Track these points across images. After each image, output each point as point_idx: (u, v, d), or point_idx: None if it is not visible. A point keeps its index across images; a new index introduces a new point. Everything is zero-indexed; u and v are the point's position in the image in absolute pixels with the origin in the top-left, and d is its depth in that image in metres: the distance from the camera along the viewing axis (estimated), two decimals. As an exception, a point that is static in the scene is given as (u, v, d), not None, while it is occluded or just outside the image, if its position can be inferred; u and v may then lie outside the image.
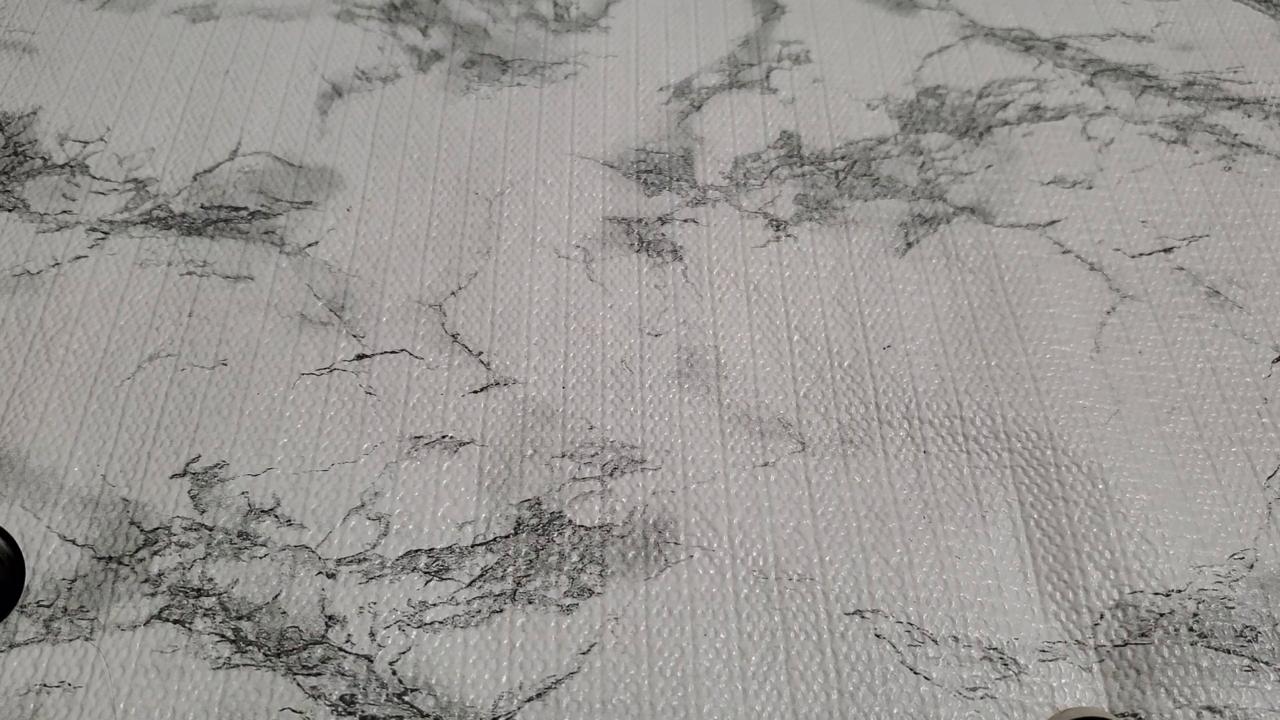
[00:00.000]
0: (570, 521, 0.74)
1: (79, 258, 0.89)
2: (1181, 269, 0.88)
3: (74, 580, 0.70)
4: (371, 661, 0.67)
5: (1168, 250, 0.90)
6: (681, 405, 0.80)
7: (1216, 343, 0.83)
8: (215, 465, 0.76)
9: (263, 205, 0.93)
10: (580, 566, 0.72)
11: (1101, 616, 0.69)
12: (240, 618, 0.69)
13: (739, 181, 0.95)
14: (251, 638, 0.68)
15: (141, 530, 0.73)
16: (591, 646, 0.68)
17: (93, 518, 0.73)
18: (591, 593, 0.70)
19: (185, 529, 0.73)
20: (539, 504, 0.75)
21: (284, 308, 0.86)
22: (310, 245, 0.90)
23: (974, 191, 0.94)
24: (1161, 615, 0.69)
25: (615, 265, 0.89)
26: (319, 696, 0.66)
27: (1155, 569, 0.71)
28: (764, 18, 1.12)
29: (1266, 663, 0.67)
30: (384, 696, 0.66)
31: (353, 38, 1.09)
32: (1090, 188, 0.94)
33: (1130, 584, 0.70)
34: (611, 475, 0.76)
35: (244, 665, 0.67)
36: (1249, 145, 0.97)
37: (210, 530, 0.73)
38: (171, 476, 0.76)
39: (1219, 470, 0.76)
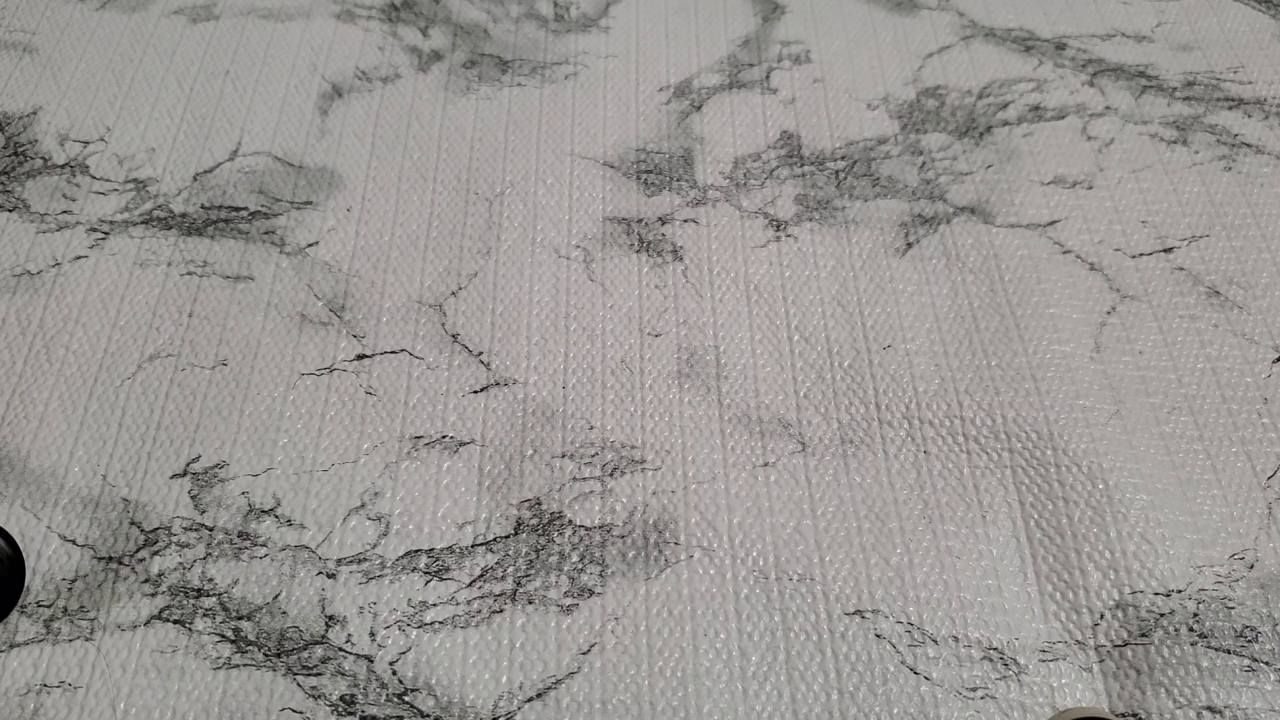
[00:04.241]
0: (570, 521, 0.74)
1: (79, 258, 0.89)
2: (1181, 269, 0.88)
3: (74, 580, 0.70)
4: (371, 661, 0.67)
5: (1168, 250, 0.90)
6: (681, 405, 0.80)
7: (1216, 343, 0.83)
8: (215, 465, 0.76)
9: (263, 205, 0.93)
10: (580, 566, 0.72)
11: (1101, 616, 0.69)
12: (240, 618, 0.69)
13: (739, 181, 0.95)
14: (252, 638, 0.68)
15: (142, 530, 0.73)
16: (591, 646, 0.68)
17: (93, 518, 0.73)
18: (591, 593, 0.70)
19: (185, 529, 0.73)
20: (539, 504, 0.75)
21: (284, 308, 0.86)
22: (310, 245, 0.90)
23: (974, 191, 0.94)
24: (1161, 615, 0.69)
25: (615, 265, 0.89)
26: (319, 696, 0.66)
27: (1155, 569, 0.71)
28: (764, 18, 1.12)
29: (1266, 663, 0.67)
30: (384, 696, 0.66)
31: (353, 38, 1.09)
32: (1090, 188, 0.94)
33: (1130, 584, 0.70)
34: (611, 475, 0.76)
35: (244, 665, 0.67)
36: (1249, 145, 0.97)
37: (210, 530, 0.73)
38: (172, 476, 0.76)
39: (1219, 470, 0.76)
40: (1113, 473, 0.75)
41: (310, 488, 0.75)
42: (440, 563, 0.72)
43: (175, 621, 0.69)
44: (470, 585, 0.71)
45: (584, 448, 0.78)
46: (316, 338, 0.84)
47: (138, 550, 0.72)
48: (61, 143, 0.98)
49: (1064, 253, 0.89)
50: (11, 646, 0.68)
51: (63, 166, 0.96)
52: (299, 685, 0.66)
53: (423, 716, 0.65)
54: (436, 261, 0.89)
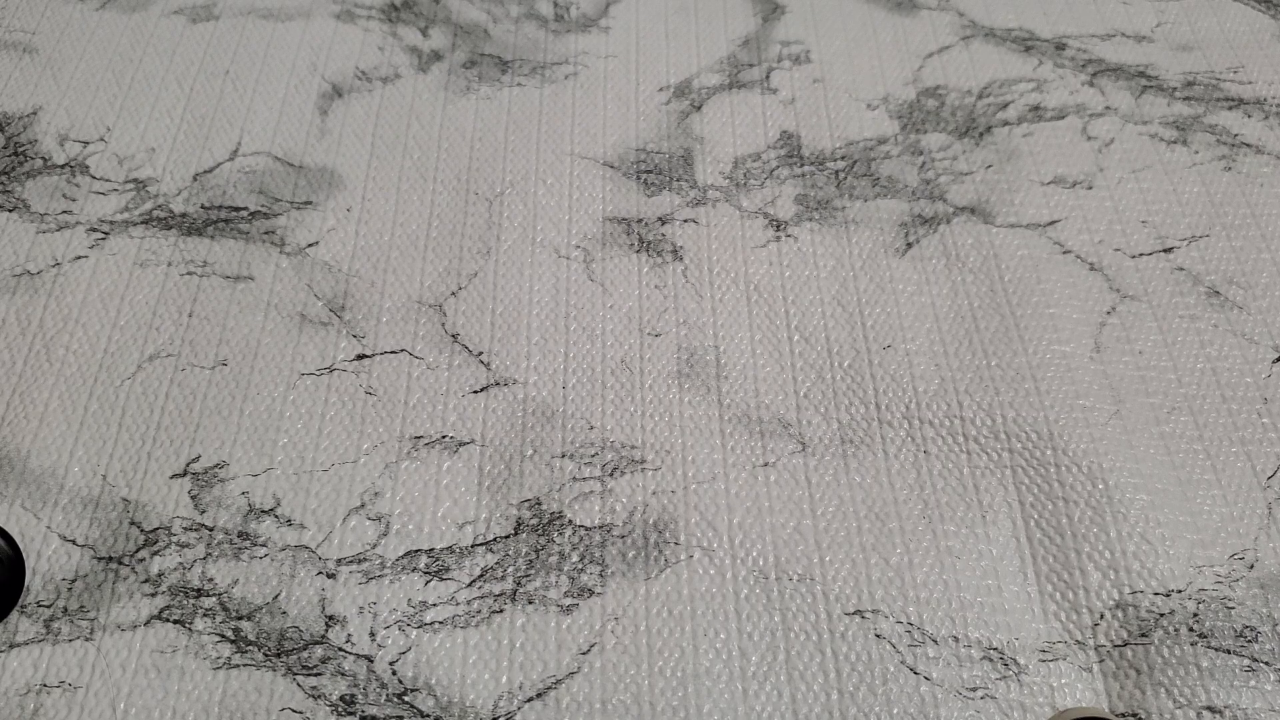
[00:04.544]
0: (570, 521, 0.74)
1: (79, 258, 0.89)
2: (1181, 269, 0.88)
3: (74, 580, 0.70)
4: (371, 661, 0.67)
5: (1168, 250, 0.90)
6: (681, 405, 0.80)
7: (1216, 343, 0.83)
8: (215, 465, 0.76)
9: (263, 205, 0.93)
10: (580, 566, 0.72)
11: (1101, 616, 0.69)
12: (240, 618, 0.69)
13: (739, 181, 0.95)
14: (251, 638, 0.68)
15: (142, 530, 0.73)
16: (591, 646, 0.68)
17: (93, 518, 0.73)
18: (591, 593, 0.71)
19: (185, 529, 0.73)
20: (539, 504, 0.75)
21: (284, 308, 0.86)
22: (310, 245, 0.90)
23: (974, 191, 0.94)
24: (1161, 615, 0.69)
25: (615, 265, 0.89)
26: (319, 696, 0.66)
27: (1155, 569, 0.71)
28: (764, 18, 1.12)
29: (1266, 663, 0.67)
30: (384, 696, 0.66)
31: (353, 38, 1.09)
32: (1090, 188, 0.94)
33: (1130, 584, 0.70)
34: (611, 475, 0.76)
35: (244, 665, 0.67)
36: (1249, 145, 0.97)
37: (210, 530, 0.73)
38: (171, 476, 0.76)
39: (1219, 470, 0.76)
40: (1113, 473, 0.75)
41: (310, 488, 0.75)
42: (440, 563, 0.72)
43: (175, 621, 0.69)
44: (470, 585, 0.71)
45: (584, 448, 0.78)
46: (316, 338, 0.84)
47: (138, 550, 0.72)
48: (61, 143, 0.98)
49: (1064, 253, 0.89)
50: (11, 646, 0.68)
51: (63, 166, 0.96)
52: (299, 685, 0.66)
53: (423, 716, 0.65)
54: (436, 261, 0.89)
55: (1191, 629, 0.68)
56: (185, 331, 0.84)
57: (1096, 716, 0.63)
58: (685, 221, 0.92)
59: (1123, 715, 0.65)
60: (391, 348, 0.83)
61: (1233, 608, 0.69)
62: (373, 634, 0.68)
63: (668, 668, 0.67)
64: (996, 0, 1.13)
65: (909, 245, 0.90)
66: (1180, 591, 0.70)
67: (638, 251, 0.90)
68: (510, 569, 0.72)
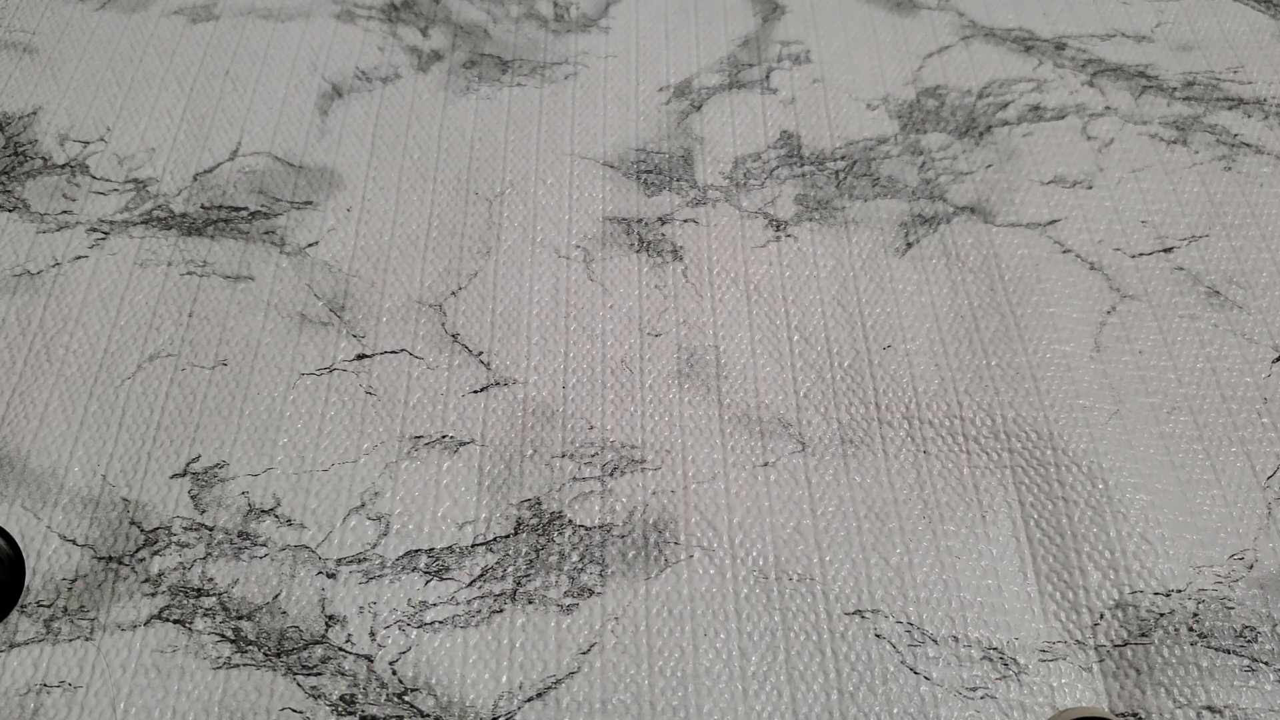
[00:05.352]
0: (570, 521, 0.74)
1: (79, 258, 0.89)
2: (1181, 269, 0.88)
3: (74, 580, 0.71)
4: (371, 661, 0.67)
5: (1168, 250, 0.90)
6: (681, 405, 0.80)
7: (1216, 343, 0.83)
8: (215, 465, 0.76)
9: (263, 205, 0.93)
10: (580, 566, 0.72)
11: (1101, 616, 0.69)
12: (240, 618, 0.69)
13: (739, 181, 0.95)
14: (251, 638, 0.68)
15: (142, 530, 0.73)
16: (591, 646, 0.68)
17: (93, 518, 0.73)
18: (591, 593, 0.71)
19: (185, 529, 0.73)
20: (539, 504, 0.75)
21: (284, 308, 0.86)
22: (310, 245, 0.90)
23: (974, 191, 0.94)
24: (1161, 615, 0.69)
25: (615, 265, 0.89)
26: (319, 696, 0.66)
27: (1155, 569, 0.71)
28: (764, 18, 1.12)
29: (1266, 663, 0.67)
30: (384, 696, 0.66)
31: (353, 38, 1.09)
32: (1090, 188, 0.94)
33: (1130, 584, 0.70)
34: (611, 475, 0.76)
35: (244, 665, 0.67)
36: (1249, 145, 0.97)
37: (210, 530, 0.73)
38: (172, 476, 0.76)
39: (1219, 470, 0.76)
40: (1113, 473, 0.75)
41: (310, 488, 0.75)
42: (440, 562, 0.72)
43: (175, 621, 0.69)
44: (470, 585, 0.71)
45: (584, 448, 0.78)
46: (316, 338, 0.84)
47: (138, 550, 0.72)
48: (61, 143, 0.98)
49: (1064, 252, 0.89)
50: (11, 646, 0.68)
51: (63, 166, 0.96)
52: (299, 685, 0.66)
53: (423, 716, 0.65)
54: (436, 261, 0.89)
55: (1191, 629, 0.68)
56: (185, 331, 0.84)
57: (1096, 716, 0.63)
58: (685, 221, 0.92)
59: (1123, 715, 0.65)
60: (391, 348, 0.83)
61: (1232, 608, 0.69)
62: (373, 634, 0.68)
63: (668, 668, 0.67)
64: (996, 0, 1.13)
65: (909, 245, 0.90)
66: (1180, 591, 0.70)
67: (638, 251, 0.90)
68: (510, 569, 0.72)
